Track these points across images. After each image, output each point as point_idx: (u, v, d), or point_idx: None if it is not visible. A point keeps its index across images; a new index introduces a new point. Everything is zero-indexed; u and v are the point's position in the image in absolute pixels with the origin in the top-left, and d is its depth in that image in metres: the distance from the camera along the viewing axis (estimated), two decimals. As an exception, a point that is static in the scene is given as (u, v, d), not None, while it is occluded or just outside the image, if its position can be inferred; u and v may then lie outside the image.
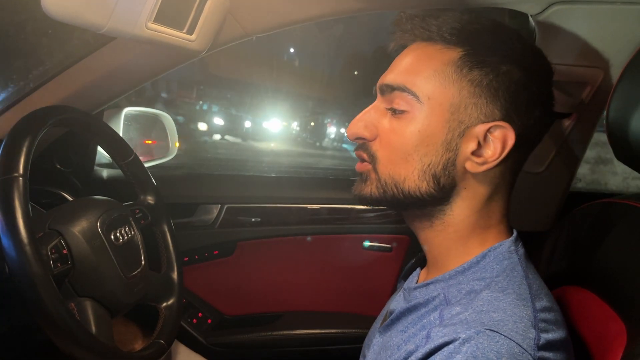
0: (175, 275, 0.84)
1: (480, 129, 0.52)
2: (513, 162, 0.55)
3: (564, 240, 0.72)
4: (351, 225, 1.16)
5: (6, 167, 0.58)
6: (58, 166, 1.00)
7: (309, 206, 1.14)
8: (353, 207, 1.14)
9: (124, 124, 1.05)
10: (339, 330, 1.13)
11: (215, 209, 1.11)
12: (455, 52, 0.53)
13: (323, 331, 1.13)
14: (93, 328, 0.64)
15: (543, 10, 0.75)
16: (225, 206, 1.11)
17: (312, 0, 0.73)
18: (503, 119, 0.52)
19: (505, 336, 0.44)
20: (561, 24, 0.76)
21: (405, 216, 0.60)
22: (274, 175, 1.37)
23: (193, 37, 0.68)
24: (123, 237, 0.72)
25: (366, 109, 0.58)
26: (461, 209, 0.55)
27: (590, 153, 2.36)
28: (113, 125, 0.91)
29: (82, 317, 0.65)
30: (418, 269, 0.66)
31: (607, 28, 0.76)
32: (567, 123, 0.90)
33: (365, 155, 0.57)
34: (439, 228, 0.57)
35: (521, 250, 0.56)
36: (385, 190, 0.55)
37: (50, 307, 0.56)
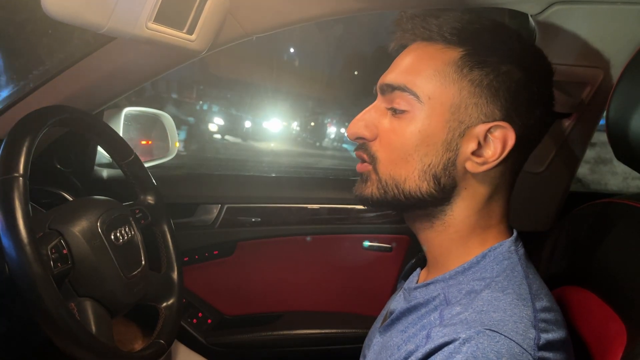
0: (175, 275, 0.84)
1: (481, 129, 0.52)
2: (513, 162, 0.55)
3: (564, 240, 0.72)
4: (351, 225, 1.16)
5: (6, 167, 0.58)
6: (58, 166, 1.00)
7: (309, 206, 1.14)
8: (353, 207, 1.14)
9: (124, 124, 1.05)
10: (339, 330, 1.13)
11: (215, 209, 1.11)
12: (456, 52, 0.53)
13: (323, 331, 1.13)
14: (93, 328, 0.64)
15: (543, 10, 0.75)
16: (225, 206, 1.11)
17: (312, 0, 0.73)
18: (503, 119, 0.52)
19: (505, 336, 0.44)
20: (561, 24, 0.76)
21: (406, 217, 0.60)
22: (274, 175, 1.37)
23: (193, 37, 0.68)
24: (123, 237, 0.72)
25: (366, 109, 0.58)
26: (461, 209, 0.55)
27: (590, 153, 2.36)
28: (113, 125, 0.91)
29: (82, 317, 0.65)
30: (418, 269, 0.66)
31: (607, 28, 0.76)
32: (567, 123, 0.90)
33: (365, 156, 0.57)
34: (440, 228, 0.57)
35: (521, 250, 0.56)
36: (386, 190, 0.55)
37: (51, 307, 0.56)
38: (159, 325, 0.78)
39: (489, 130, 0.52)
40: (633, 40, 0.75)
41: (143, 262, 0.75)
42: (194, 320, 1.13)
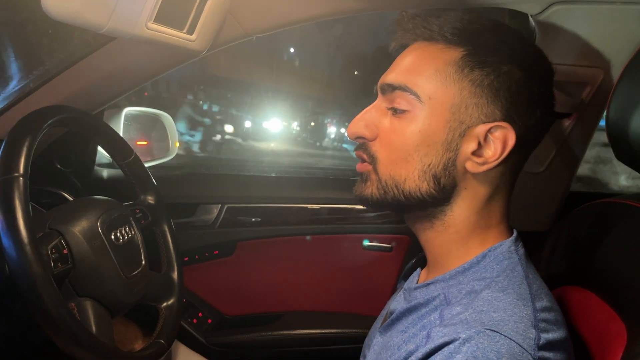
0: (175, 275, 0.84)
1: (481, 129, 0.52)
2: (513, 163, 0.55)
3: (564, 240, 0.72)
4: (351, 225, 1.16)
5: (6, 167, 0.58)
6: (58, 166, 1.00)
7: (309, 206, 1.14)
8: (353, 207, 1.14)
9: (124, 124, 1.05)
10: (339, 330, 1.13)
11: (215, 209, 1.11)
12: (457, 52, 0.53)
13: (323, 331, 1.13)
14: (93, 328, 0.64)
15: (543, 10, 0.75)
16: (226, 206, 1.11)
17: (312, 0, 0.73)
18: (504, 120, 0.52)
19: (505, 336, 0.44)
20: (561, 24, 0.76)
21: (406, 218, 0.60)
22: (274, 175, 1.37)
23: (193, 37, 0.68)
24: (123, 237, 0.72)
25: (367, 108, 0.58)
26: (461, 209, 0.55)
27: (590, 153, 2.34)
28: (113, 125, 0.91)
29: (83, 317, 0.65)
30: (418, 269, 0.66)
31: (607, 28, 0.76)
32: (567, 123, 0.90)
33: (365, 156, 0.57)
34: (440, 229, 0.57)
35: (521, 250, 0.56)
36: (386, 191, 0.55)
37: (51, 307, 0.56)
38: (159, 325, 0.78)
39: (489, 131, 0.52)
40: (633, 40, 0.75)
41: (143, 262, 0.75)
42: (194, 320, 1.13)
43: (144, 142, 1.22)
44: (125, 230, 0.73)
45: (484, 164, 0.52)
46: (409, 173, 0.54)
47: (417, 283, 0.62)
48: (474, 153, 0.52)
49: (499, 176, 0.55)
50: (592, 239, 0.64)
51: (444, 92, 0.52)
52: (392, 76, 0.55)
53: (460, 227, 0.56)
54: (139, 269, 0.73)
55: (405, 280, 0.71)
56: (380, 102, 0.57)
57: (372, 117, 0.57)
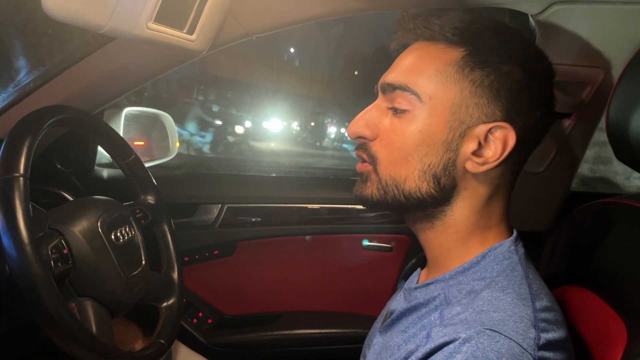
0: (175, 275, 0.84)
1: (481, 129, 0.52)
2: (513, 163, 0.55)
3: (564, 240, 0.72)
4: (351, 225, 1.16)
5: (6, 167, 0.58)
6: (58, 166, 1.00)
7: (309, 206, 1.14)
8: (353, 207, 1.14)
9: (124, 124, 1.05)
10: (339, 330, 1.13)
11: (215, 209, 1.11)
12: (458, 52, 0.53)
13: (323, 331, 1.13)
14: (93, 328, 0.64)
15: (543, 10, 0.75)
16: (226, 206, 1.11)
17: (312, 0, 0.73)
18: (504, 120, 0.52)
19: (505, 336, 0.44)
20: (561, 24, 0.76)
21: (406, 218, 0.60)
22: (274, 175, 1.37)
23: (193, 37, 0.68)
24: (123, 237, 0.72)
25: (367, 108, 0.58)
26: (462, 209, 0.55)
27: (589, 152, 2.34)
28: (113, 125, 0.91)
29: (83, 317, 0.64)
30: (418, 269, 0.66)
31: (607, 28, 0.76)
32: (567, 123, 0.90)
33: (365, 156, 0.57)
34: (440, 229, 0.57)
35: (521, 250, 0.56)
36: (386, 191, 0.55)
37: (51, 307, 0.56)
38: (159, 325, 0.78)
39: (489, 131, 0.52)
40: (633, 40, 0.75)
41: (143, 262, 0.75)
42: (194, 320, 1.13)
43: (141, 142, 1.21)
44: (125, 230, 0.73)
45: (484, 164, 0.53)
46: (409, 173, 0.54)
47: (417, 283, 0.62)
48: (474, 153, 0.53)
49: (499, 176, 0.55)
50: (592, 239, 0.64)
51: (445, 92, 0.52)
52: (392, 76, 0.55)
53: (460, 227, 0.56)
54: (139, 269, 0.73)
55: (405, 280, 0.71)
56: (380, 102, 0.57)
57: (372, 117, 0.57)
